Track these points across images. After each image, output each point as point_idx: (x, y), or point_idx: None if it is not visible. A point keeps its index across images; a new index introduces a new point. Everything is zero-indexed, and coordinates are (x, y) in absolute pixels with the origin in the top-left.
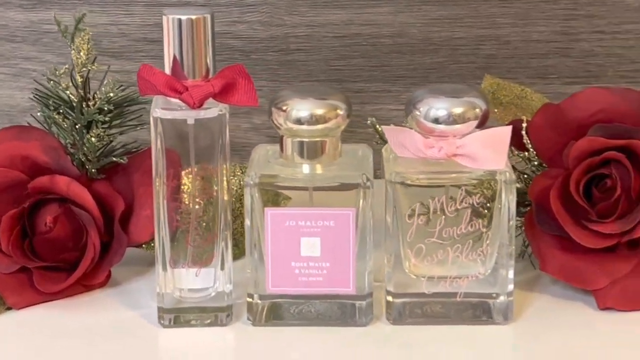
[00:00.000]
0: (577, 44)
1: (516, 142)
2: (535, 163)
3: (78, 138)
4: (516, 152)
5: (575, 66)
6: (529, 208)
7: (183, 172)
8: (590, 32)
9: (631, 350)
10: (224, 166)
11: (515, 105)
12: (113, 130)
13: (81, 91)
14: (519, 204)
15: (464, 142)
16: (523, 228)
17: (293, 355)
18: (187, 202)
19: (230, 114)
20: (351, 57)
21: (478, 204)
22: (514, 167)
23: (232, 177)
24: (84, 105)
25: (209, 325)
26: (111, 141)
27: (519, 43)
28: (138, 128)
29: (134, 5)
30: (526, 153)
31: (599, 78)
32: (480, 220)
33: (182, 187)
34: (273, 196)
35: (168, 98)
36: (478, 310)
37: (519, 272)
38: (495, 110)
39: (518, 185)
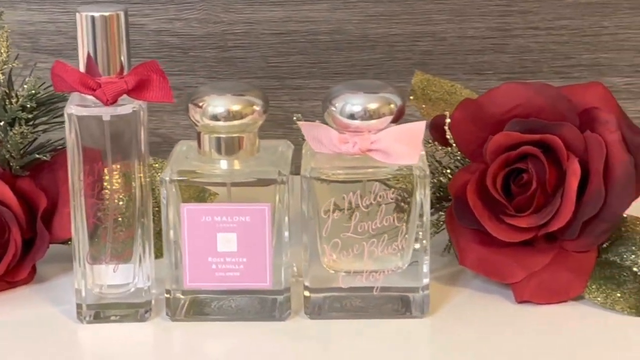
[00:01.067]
0: (513, 40)
1: (439, 137)
2: (459, 158)
3: (1, 135)
4: (440, 147)
5: (511, 62)
6: (449, 204)
7: (103, 169)
8: (525, 28)
9: (545, 343)
10: (142, 162)
11: (445, 101)
12: (38, 128)
13: (4, 88)
14: (443, 198)
15: (378, 137)
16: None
17: (210, 350)
18: (106, 199)
19: (169, 112)
20: (289, 54)
21: (392, 199)
22: (439, 162)
23: (157, 173)
24: (7, 103)
25: (129, 320)
26: (36, 138)
27: (455, 39)
28: (64, 125)
29: (71, 3)
30: (449, 148)
31: (534, 74)
32: (394, 215)
33: (102, 183)
34: (199, 192)
35: (83, 95)
36: (397, 304)
37: (444, 266)
38: (424, 105)
39: (443, 180)
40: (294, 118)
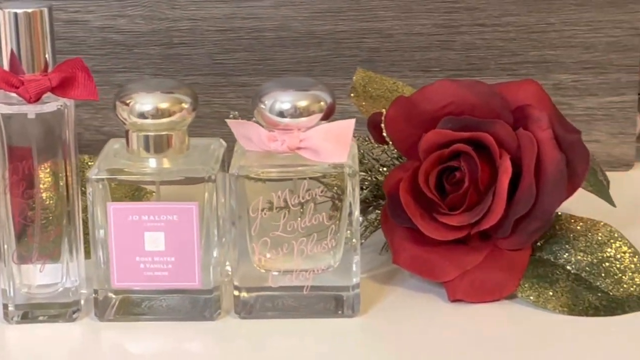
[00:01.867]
0: (459, 36)
1: (377, 134)
2: (395, 156)
3: None
4: (377, 145)
5: (457, 59)
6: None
7: (30, 167)
8: (472, 24)
9: (476, 342)
10: (68, 161)
11: (386, 98)
12: None
13: None
14: (380, 197)
15: (307, 135)
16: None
17: (138, 351)
18: (34, 197)
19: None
20: (235, 50)
21: (322, 197)
22: (376, 160)
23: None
24: None
25: (57, 320)
26: None
27: (401, 36)
28: None
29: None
30: (386, 146)
31: (481, 71)
32: (324, 214)
33: (28, 182)
34: (134, 191)
35: (7, 92)
36: (329, 303)
37: (382, 265)
38: (364, 103)
39: (380, 178)
40: (231, 115)
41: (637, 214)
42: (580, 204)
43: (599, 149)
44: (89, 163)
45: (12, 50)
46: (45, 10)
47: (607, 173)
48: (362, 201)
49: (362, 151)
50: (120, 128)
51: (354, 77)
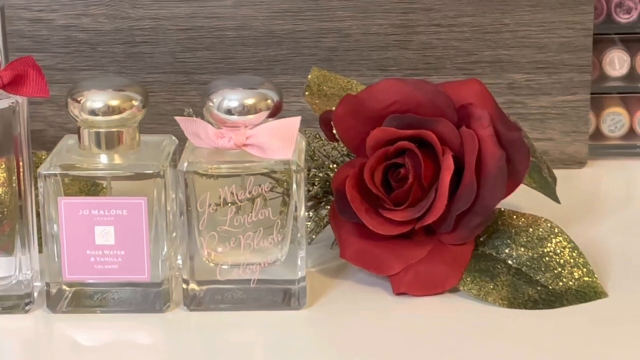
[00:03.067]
0: (416, 36)
1: (327, 132)
2: (345, 153)
3: None
4: (327, 142)
5: (414, 58)
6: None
7: None
8: (428, 25)
9: (419, 334)
10: (20, 157)
11: (339, 96)
12: None
13: None
14: (330, 193)
15: (253, 132)
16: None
17: (89, 342)
18: None
19: None
20: (196, 49)
21: (273, 192)
22: (327, 157)
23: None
24: None
25: (10, 312)
26: None
27: (359, 36)
28: None
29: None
30: (336, 143)
31: (437, 70)
32: (270, 209)
33: None
34: (89, 186)
35: None
36: (277, 296)
37: (332, 259)
38: (317, 101)
39: (330, 175)
40: (185, 112)
41: (586, 211)
42: (526, 201)
43: (552, 147)
44: (43, 158)
45: None
46: None
47: (561, 170)
48: (313, 197)
49: (313, 148)
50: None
51: (309, 76)
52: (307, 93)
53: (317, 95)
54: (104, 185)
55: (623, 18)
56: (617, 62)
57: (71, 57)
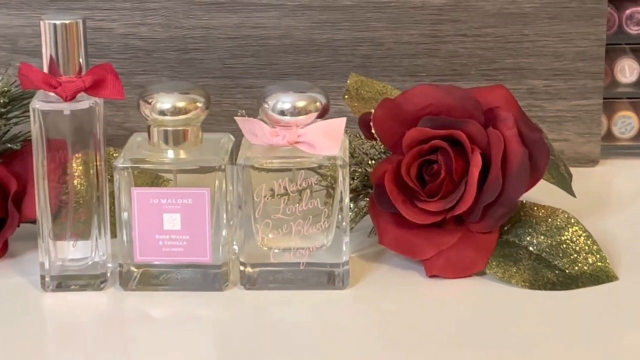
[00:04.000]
0: (443, 45)
1: (366, 132)
2: (382, 150)
3: None
4: (366, 141)
5: (442, 65)
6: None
7: (65, 157)
8: (455, 35)
9: (450, 312)
10: (99, 151)
11: (376, 100)
12: (11, 121)
13: None
14: (369, 186)
15: (304, 131)
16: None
17: (156, 315)
18: (68, 183)
19: (135, 107)
20: (243, 56)
21: (317, 185)
22: (366, 154)
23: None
24: None
25: (86, 289)
26: (8, 130)
27: (391, 44)
28: None
29: (46, 9)
30: (374, 142)
31: (463, 76)
32: (319, 199)
33: (65, 169)
34: (153, 179)
35: (47, 92)
36: (322, 277)
37: (369, 246)
38: (356, 104)
39: (368, 170)
40: (238, 113)
41: (599, 205)
42: (545, 194)
43: (567, 147)
44: (114, 154)
45: (51, 56)
46: (80, 22)
47: (575, 169)
48: (353, 190)
49: (353, 146)
50: (139, 124)
51: (348, 81)
52: (346, 97)
53: (355, 99)
54: (165, 178)
55: (633, 29)
56: (627, 70)
57: (129, 62)
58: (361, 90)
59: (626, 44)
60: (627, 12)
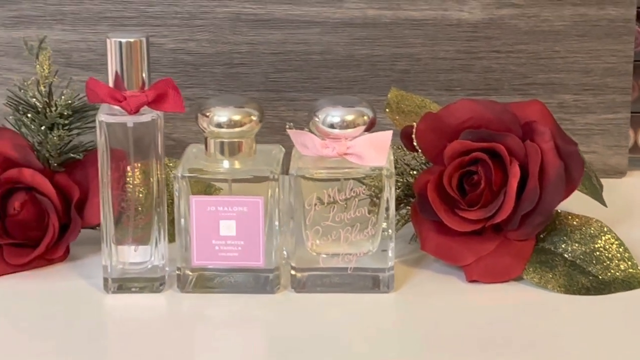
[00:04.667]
0: (478, 61)
1: (408, 144)
2: (423, 161)
3: (43, 137)
4: (408, 152)
5: (476, 80)
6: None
7: (126, 166)
8: (489, 51)
9: (489, 315)
10: (158, 161)
11: (416, 113)
12: (73, 132)
13: (45, 99)
14: (410, 195)
15: (353, 143)
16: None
17: (212, 316)
18: (129, 191)
19: (183, 119)
20: (286, 70)
21: (365, 194)
22: (407, 165)
23: (171, 171)
24: (47, 111)
25: (146, 291)
26: (71, 140)
27: (428, 60)
28: (94, 130)
29: (99, 25)
30: (416, 153)
31: (497, 90)
32: (366, 207)
33: (126, 178)
34: (206, 187)
35: (111, 105)
36: (368, 282)
37: (410, 252)
38: (397, 117)
39: (410, 180)
40: (287, 126)
41: (627, 214)
42: (578, 204)
43: (596, 159)
44: (169, 164)
45: (116, 72)
46: (144, 40)
47: (603, 180)
48: (395, 199)
49: (395, 157)
50: (186, 134)
51: (389, 95)
52: (387, 110)
53: (396, 112)
54: (217, 187)
55: None
56: None
57: (178, 76)
58: (401, 104)
59: None
60: None
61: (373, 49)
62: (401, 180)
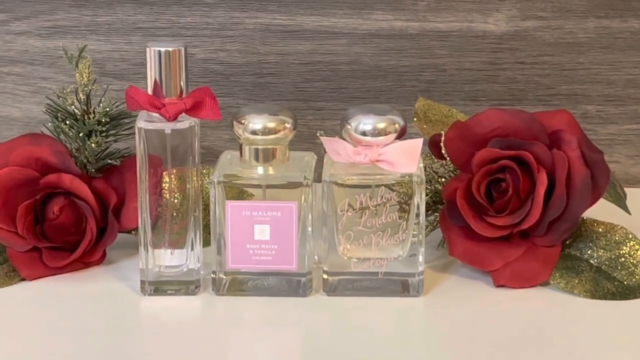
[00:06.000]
0: (502, 72)
1: (436, 152)
2: (451, 169)
3: (81, 144)
4: (436, 160)
5: (501, 91)
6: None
7: (163, 172)
8: (513, 62)
9: (517, 319)
10: (195, 168)
11: (442, 122)
12: (110, 138)
13: (84, 106)
14: (438, 202)
15: (384, 150)
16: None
17: (246, 318)
18: (166, 196)
19: (213, 127)
20: (314, 80)
21: (395, 200)
22: (435, 172)
23: (205, 177)
24: (85, 118)
25: (181, 294)
26: (108, 147)
27: (453, 71)
28: (130, 136)
29: (132, 35)
30: (444, 161)
31: (520, 101)
32: (397, 213)
33: (162, 184)
34: (239, 193)
35: (150, 112)
36: (397, 286)
37: (438, 257)
38: (425, 126)
39: (438, 187)
40: (318, 134)
41: None
42: (602, 211)
43: (618, 168)
44: (203, 171)
45: (155, 80)
46: (182, 49)
47: (625, 189)
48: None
49: (424, 165)
50: (215, 142)
51: (416, 105)
52: (415, 119)
53: (423, 121)
54: (249, 193)
55: None
56: None
57: (208, 85)
58: (429, 113)
59: None
60: None
61: (400, 59)
62: (429, 187)
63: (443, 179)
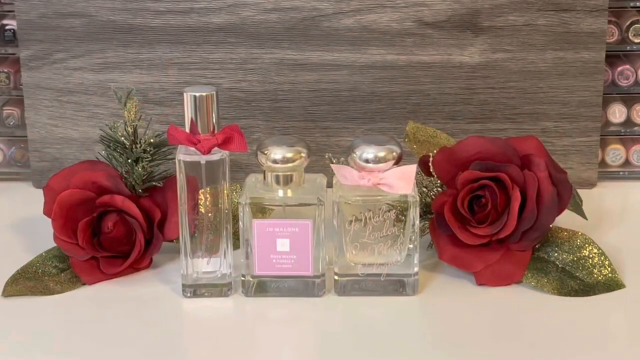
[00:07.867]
0: (476, 95)
1: (425, 170)
2: (438, 185)
3: (129, 169)
4: (425, 177)
5: (475, 111)
6: (432, 216)
7: (199, 193)
8: (485, 87)
9: (496, 312)
10: (225, 189)
11: (429, 142)
12: (154, 163)
13: (131, 137)
14: (428, 212)
15: (384, 175)
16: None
17: (272, 315)
18: (202, 212)
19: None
20: (320, 104)
21: (394, 216)
22: (425, 187)
23: (233, 191)
24: (133, 147)
25: (216, 295)
26: (152, 171)
27: (436, 95)
28: (170, 161)
29: (170, 68)
30: (432, 178)
31: (491, 119)
32: (396, 227)
33: (199, 202)
34: (262, 209)
35: (188, 147)
36: (397, 286)
37: (428, 258)
38: (414, 146)
39: (428, 200)
40: (326, 157)
41: (598, 220)
42: (563, 216)
43: (572, 173)
44: (232, 187)
45: (192, 119)
46: (214, 94)
47: (579, 190)
48: None
49: (415, 181)
50: (240, 156)
51: (407, 127)
52: (406, 140)
53: (413, 141)
54: (269, 209)
55: (623, 83)
56: (617, 113)
57: (232, 109)
58: (417, 134)
59: (617, 93)
60: (619, 69)
61: (391, 86)
62: (420, 200)
63: (432, 193)
